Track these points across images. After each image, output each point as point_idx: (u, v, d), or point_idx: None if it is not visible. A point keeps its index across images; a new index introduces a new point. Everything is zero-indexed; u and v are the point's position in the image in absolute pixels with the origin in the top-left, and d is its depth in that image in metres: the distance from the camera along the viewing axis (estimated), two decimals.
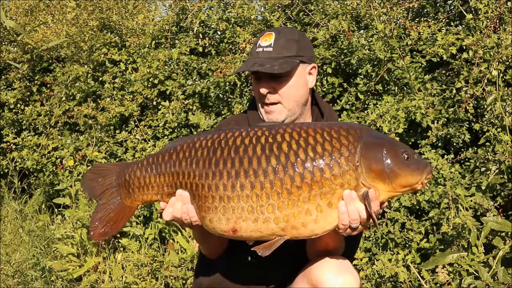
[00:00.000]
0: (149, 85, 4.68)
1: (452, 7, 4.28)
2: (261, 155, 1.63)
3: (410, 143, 3.92)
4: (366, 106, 4.06)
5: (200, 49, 4.72)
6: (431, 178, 1.67)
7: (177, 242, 3.93)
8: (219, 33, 4.91)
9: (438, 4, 4.50)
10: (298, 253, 1.94)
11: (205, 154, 1.69)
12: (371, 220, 1.63)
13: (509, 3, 3.76)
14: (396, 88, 4.11)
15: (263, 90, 1.98)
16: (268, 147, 1.64)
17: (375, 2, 4.16)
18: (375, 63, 4.05)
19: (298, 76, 2.00)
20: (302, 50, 2.02)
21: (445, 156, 3.67)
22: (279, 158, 1.62)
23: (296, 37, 2.03)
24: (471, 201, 3.40)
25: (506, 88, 3.66)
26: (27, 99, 5.73)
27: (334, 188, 1.59)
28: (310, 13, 4.35)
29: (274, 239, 1.64)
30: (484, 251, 3.14)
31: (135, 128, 4.71)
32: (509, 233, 3.14)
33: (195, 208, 1.71)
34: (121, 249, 4.05)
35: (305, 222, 1.60)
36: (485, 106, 3.62)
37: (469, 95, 3.62)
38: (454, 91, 3.77)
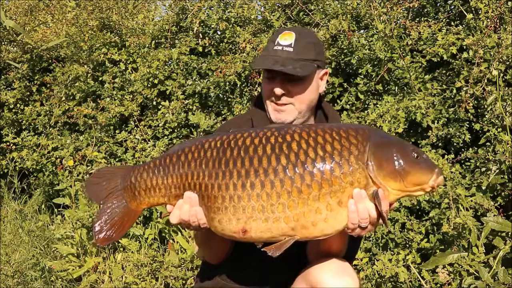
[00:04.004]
0: (149, 85, 4.68)
1: (453, 7, 4.28)
2: (271, 154, 1.62)
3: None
4: (366, 106, 4.06)
5: (200, 49, 4.72)
6: (442, 181, 1.66)
7: (177, 242, 3.92)
8: (219, 33, 4.91)
9: (438, 4, 4.49)
10: (301, 255, 1.93)
11: (214, 155, 1.68)
12: (380, 220, 1.62)
13: (509, 3, 3.76)
14: (396, 88, 4.10)
15: (278, 91, 1.94)
16: (277, 146, 1.63)
17: (375, 2, 4.16)
18: (375, 63, 4.04)
19: (312, 81, 1.97)
20: (319, 54, 2.00)
21: (446, 156, 3.67)
22: (289, 157, 1.61)
23: (314, 40, 2.01)
24: (472, 201, 3.40)
25: (507, 88, 3.66)
26: (27, 99, 5.72)
27: (344, 187, 1.58)
28: (310, 13, 4.35)
29: (284, 239, 1.63)
30: (484, 251, 3.13)
31: (135, 128, 4.70)
32: (510, 233, 3.13)
33: (203, 209, 1.69)
34: (121, 249, 4.05)
35: (315, 221, 1.59)
36: (486, 106, 3.61)
37: (469, 95, 3.61)
38: (454, 91, 3.77)
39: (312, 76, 1.97)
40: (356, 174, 1.59)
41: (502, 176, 3.39)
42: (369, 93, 4.06)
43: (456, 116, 3.78)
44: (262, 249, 1.65)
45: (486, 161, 3.51)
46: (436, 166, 1.64)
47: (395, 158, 1.60)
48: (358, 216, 1.59)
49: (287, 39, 1.95)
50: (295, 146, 1.62)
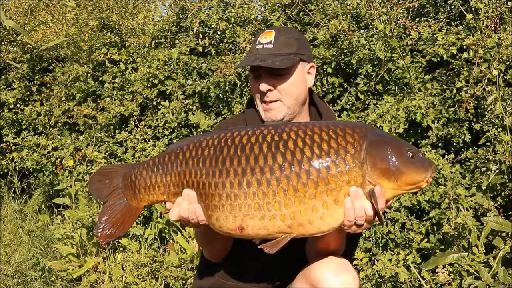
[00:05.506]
0: (149, 85, 4.68)
1: (453, 6, 4.28)
2: (267, 153, 1.63)
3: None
4: (366, 106, 4.06)
5: (200, 49, 4.72)
6: (434, 176, 1.68)
7: (177, 242, 3.92)
8: (219, 33, 4.90)
9: (438, 4, 4.49)
10: (300, 254, 1.93)
11: (211, 153, 1.69)
12: (376, 218, 1.63)
13: (509, 3, 3.76)
14: (396, 88, 4.10)
15: (264, 87, 1.97)
16: (274, 145, 1.64)
17: (375, 1, 4.16)
18: (375, 63, 4.04)
19: (297, 74, 2.00)
20: (302, 48, 2.02)
21: (446, 156, 3.67)
22: (285, 156, 1.62)
23: (296, 36, 2.04)
24: (472, 201, 3.40)
25: (507, 88, 3.66)
26: (27, 99, 5.73)
27: (340, 185, 1.59)
28: (310, 13, 4.35)
29: (281, 237, 1.63)
30: (484, 251, 3.13)
31: (135, 128, 4.70)
32: (510, 233, 3.13)
33: (202, 207, 1.71)
34: (121, 249, 4.05)
35: (311, 219, 1.60)
36: (486, 106, 3.61)
37: (469, 95, 3.61)
38: (455, 91, 3.77)
39: (295, 69, 1.99)
40: (353, 172, 1.60)
41: (502, 176, 3.39)
42: (369, 93, 4.06)
43: (456, 116, 3.78)
44: (258, 247, 1.66)
45: (486, 161, 3.51)
46: (430, 165, 1.65)
47: (389, 157, 1.61)
48: (354, 213, 1.60)
49: (267, 37, 2.00)
50: (291, 144, 1.63)
